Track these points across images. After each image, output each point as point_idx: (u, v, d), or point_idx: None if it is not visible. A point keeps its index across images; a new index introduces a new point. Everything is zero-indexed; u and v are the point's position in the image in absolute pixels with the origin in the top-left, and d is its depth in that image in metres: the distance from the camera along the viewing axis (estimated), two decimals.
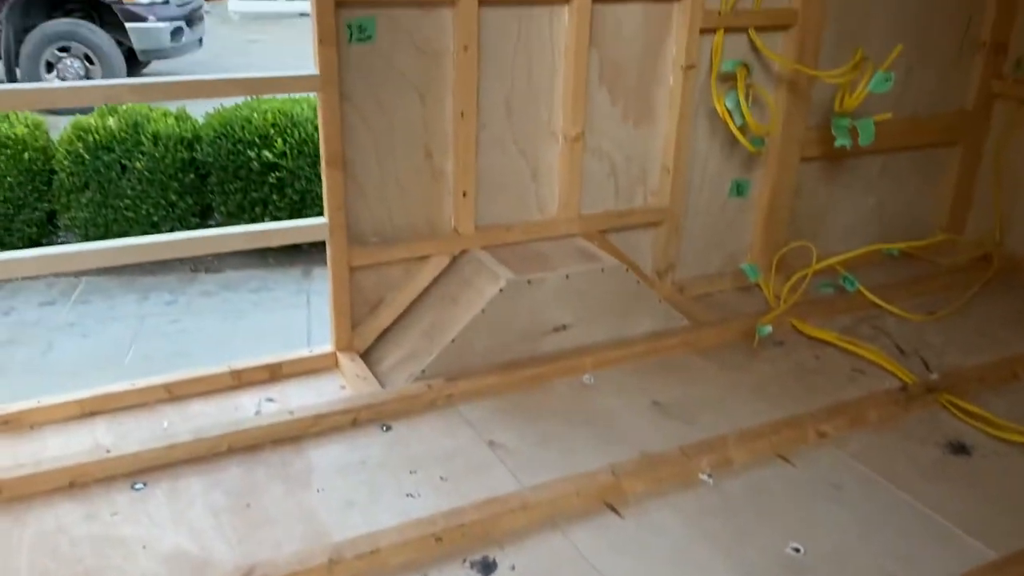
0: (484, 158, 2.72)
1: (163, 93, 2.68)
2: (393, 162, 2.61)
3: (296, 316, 4.73)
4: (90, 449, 2.21)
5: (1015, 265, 3.48)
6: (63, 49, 8.89)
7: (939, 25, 3.33)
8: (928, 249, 3.49)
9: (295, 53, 11.71)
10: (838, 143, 2.93)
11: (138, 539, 1.94)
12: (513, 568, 1.88)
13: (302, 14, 14.80)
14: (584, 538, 1.98)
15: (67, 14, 9.04)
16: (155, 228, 5.05)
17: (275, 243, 2.68)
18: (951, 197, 3.66)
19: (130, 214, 5.02)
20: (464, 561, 1.90)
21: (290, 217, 4.99)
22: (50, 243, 5.33)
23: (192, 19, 9.80)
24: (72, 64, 8.94)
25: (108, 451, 2.16)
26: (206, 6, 11.16)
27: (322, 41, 2.35)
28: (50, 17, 8.95)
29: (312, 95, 4.41)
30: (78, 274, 4.98)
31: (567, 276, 2.68)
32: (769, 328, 2.83)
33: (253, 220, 5.05)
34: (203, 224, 5.29)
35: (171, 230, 5.10)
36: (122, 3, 9.00)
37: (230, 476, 2.16)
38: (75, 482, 2.09)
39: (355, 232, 2.61)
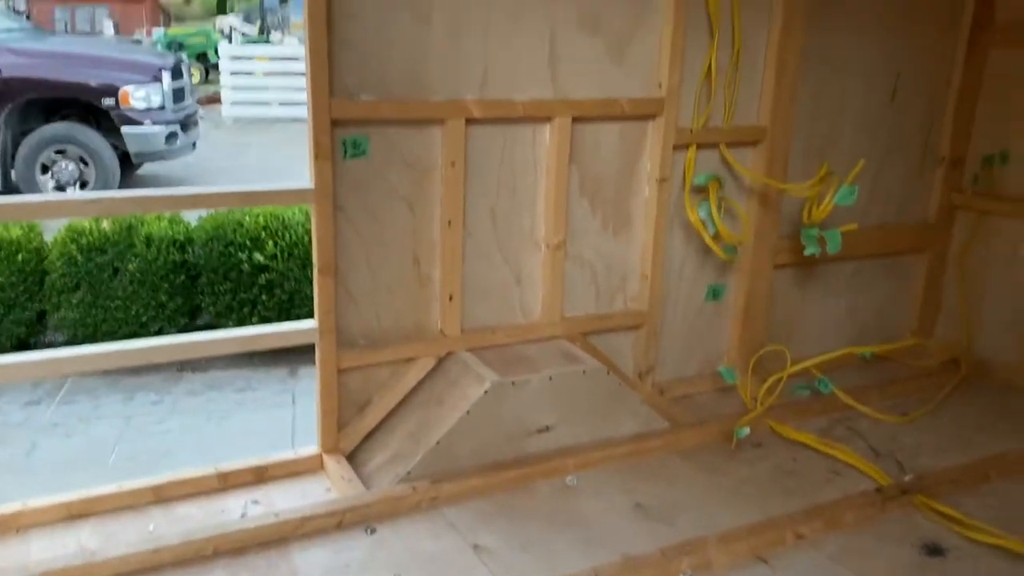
0: (470, 264, 2.84)
1: (167, 205, 2.79)
2: (382, 269, 2.72)
3: (281, 416, 4.75)
4: (75, 553, 2.22)
5: (983, 369, 3.59)
6: (59, 152, 9.12)
7: (901, 141, 3.54)
8: (899, 352, 3.61)
9: (286, 157, 12.03)
10: (807, 252, 3.08)
11: None
12: None
13: (295, 119, 15.26)
14: None
15: (64, 118, 9.30)
16: (144, 328, 5.10)
17: (266, 347, 2.75)
18: (920, 302, 3.80)
19: (120, 314, 5.09)
20: None
21: (278, 317, 5.07)
22: (38, 342, 5.36)
23: (187, 124, 10.08)
24: (67, 166, 9.15)
25: (93, 554, 2.17)
26: (201, 111, 11.50)
27: (318, 156, 2.49)
28: (48, 121, 9.20)
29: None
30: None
31: (550, 378, 2.76)
32: (747, 430, 2.90)
33: (241, 320, 5.12)
34: (191, 323, 5.35)
35: (159, 330, 5.17)
36: (119, 108, 9.28)
37: None
38: None
39: (344, 335, 2.69)
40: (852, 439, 3.04)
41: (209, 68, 20.87)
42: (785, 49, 3.08)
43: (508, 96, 2.75)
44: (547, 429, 2.79)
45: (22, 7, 22.44)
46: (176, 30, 23.94)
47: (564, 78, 2.82)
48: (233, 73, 15.66)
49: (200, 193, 2.60)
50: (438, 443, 2.63)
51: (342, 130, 2.53)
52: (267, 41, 20.89)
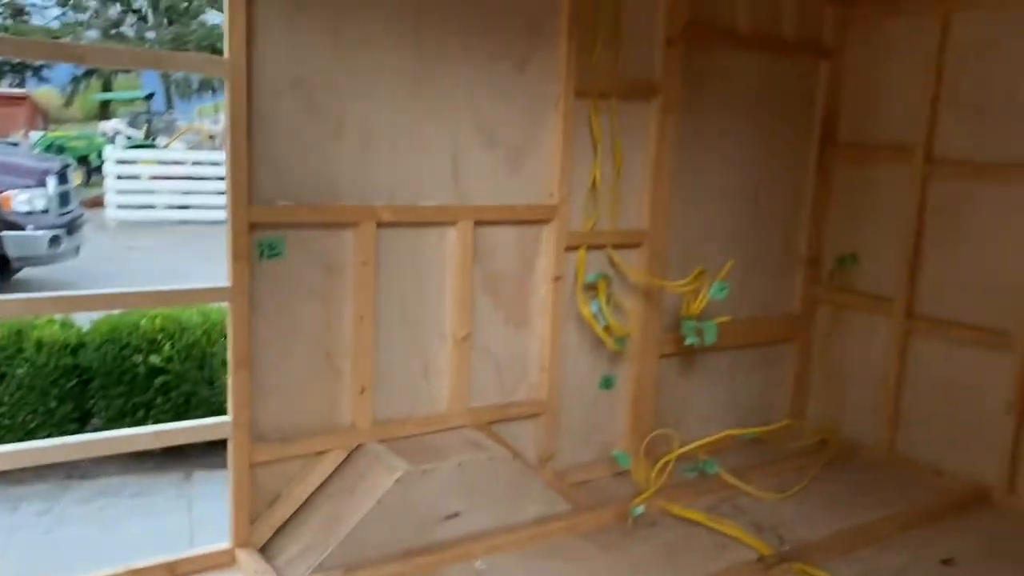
0: (380, 358, 2.99)
1: (83, 304, 2.81)
2: (296, 364, 2.84)
3: (178, 520, 4.65)
4: None
5: (848, 447, 3.95)
6: None
7: (766, 243, 3.95)
8: (775, 434, 3.92)
9: (173, 260, 11.88)
10: (687, 342, 3.37)
11: None
12: None
13: (182, 222, 15.11)
14: None
15: None
16: (31, 435, 4.93)
17: (180, 442, 2.80)
18: (792, 387, 4.17)
19: (6, 421, 4.92)
20: None
21: (174, 419, 5.00)
22: None
23: (72, 227, 9.89)
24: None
25: None
26: (85, 213, 11.28)
27: (236, 257, 2.63)
28: None
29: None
30: None
31: (459, 465, 2.91)
32: (641, 509, 3.11)
33: (135, 424, 5.02)
34: (81, 429, 5.20)
35: (48, 436, 5.00)
36: (1, 212, 9.05)
37: None
38: None
39: (257, 429, 2.77)
40: (737, 515, 3.28)
41: (91, 172, 20.47)
42: (660, 165, 3.46)
43: (415, 202, 2.98)
44: (456, 515, 2.92)
45: None
46: (56, 133, 23.43)
47: (466, 186, 3.08)
48: (119, 177, 15.48)
49: (121, 293, 2.69)
50: (350, 533, 2.71)
51: (260, 233, 2.69)
52: (153, 145, 20.77)
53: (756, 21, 3.66)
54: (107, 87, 32.49)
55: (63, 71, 33.32)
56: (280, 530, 2.84)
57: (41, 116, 29.51)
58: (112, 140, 21.09)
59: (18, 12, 31.23)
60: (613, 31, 3.26)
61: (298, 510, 2.86)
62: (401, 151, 2.93)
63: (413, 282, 3.04)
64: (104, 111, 30.91)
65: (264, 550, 2.78)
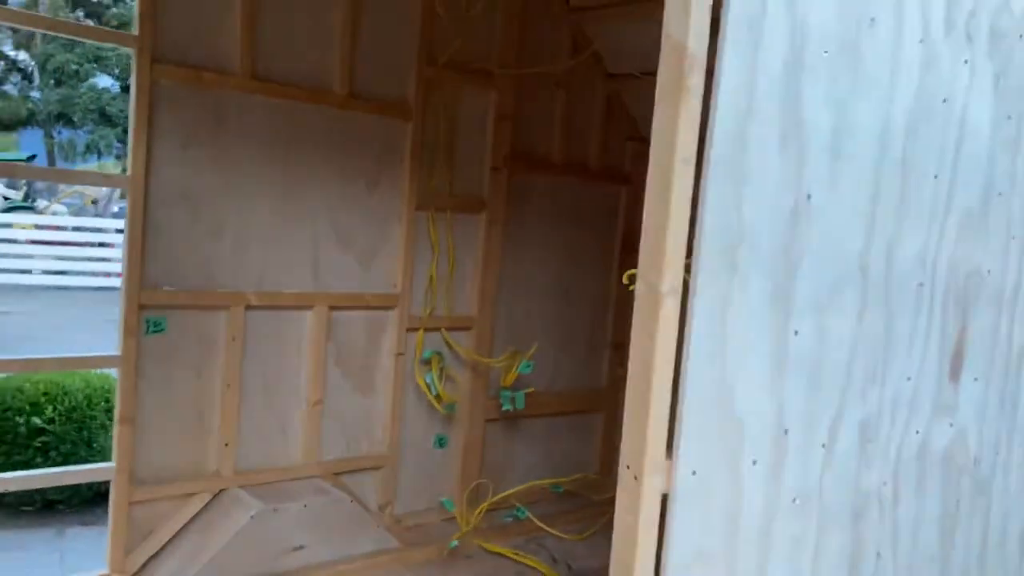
0: (244, 418, 3.63)
1: None
2: (171, 420, 3.45)
3: (49, 570, 5.01)
4: None
5: None
6: None
7: (577, 329, 4.81)
8: (583, 486, 4.71)
9: (50, 326, 11.95)
10: (504, 408, 4.15)
11: None
12: None
13: (60, 287, 15.08)
14: None
15: None
16: None
17: (66, 482, 3.36)
18: (600, 449, 4.99)
19: None
20: None
21: None
22: None
23: None
24: None
25: None
26: None
27: (126, 332, 3.26)
28: None
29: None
30: None
31: (304, 506, 3.55)
32: (456, 543, 3.82)
33: None
34: None
35: None
36: None
37: None
38: None
39: (136, 474, 3.35)
40: (539, 552, 4.03)
41: None
42: (487, 264, 4.28)
43: (279, 289, 3.67)
44: (302, 547, 3.55)
45: None
46: None
47: (324, 278, 3.81)
48: (1, 240, 15.37)
49: (20, 359, 3.26)
50: (210, 560, 3.31)
51: (147, 311, 3.32)
52: (32, 208, 20.48)
53: (568, 152, 4.59)
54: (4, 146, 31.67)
55: None
56: (151, 559, 3.39)
57: None
58: None
59: None
60: (448, 159, 4.10)
61: (168, 543, 3.43)
62: (270, 250, 3.64)
63: (275, 355, 3.71)
64: None
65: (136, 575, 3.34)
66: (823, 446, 1.75)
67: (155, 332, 3.36)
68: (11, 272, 15.33)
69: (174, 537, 3.44)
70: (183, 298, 3.41)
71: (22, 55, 29.70)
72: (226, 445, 3.57)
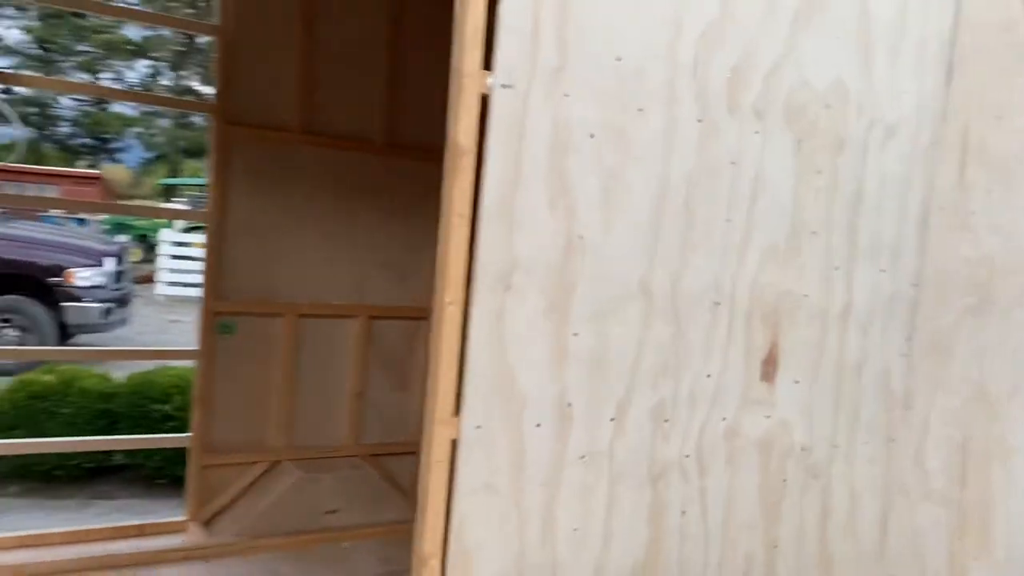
0: (299, 403, 4.51)
1: (75, 356, 4.43)
2: (239, 403, 4.37)
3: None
4: None
5: None
6: (5, 320, 10.55)
7: None
8: None
9: None
10: None
11: None
12: None
13: None
14: None
15: (12, 291, 10.79)
16: (68, 459, 6.50)
17: (153, 447, 4.33)
18: None
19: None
20: None
21: (175, 455, 6.54)
22: None
23: (122, 300, 11.66)
24: (10, 334, 10.55)
25: None
26: (136, 289, 13.09)
27: (203, 331, 4.21)
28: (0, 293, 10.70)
29: None
30: None
31: (339, 477, 4.39)
32: None
33: (147, 456, 6.59)
34: (108, 458, 6.77)
35: (82, 464, 6.56)
36: (63, 286, 10.85)
37: None
38: None
39: (209, 444, 4.29)
40: None
41: (150, 248, 22.66)
42: None
43: (328, 301, 4.55)
44: (335, 511, 4.38)
45: None
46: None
47: (366, 293, 4.65)
48: (172, 256, 17.43)
49: (124, 349, 4.27)
50: (260, 515, 4.19)
51: (220, 316, 4.27)
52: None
53: None
54: (173, 171, 35.30)
55: (134, 154, 36.45)
56: (218, 512, 4.32)
57: (111, 195, 32.33)
58: (170, 223, 23.37)
59: (100, 100, 34.54)
60: None
61: (231, 500, 4.35)
62: (321, 270, 4.52)
63: (324, 354, 4.59)
64: (168, 193, 33.69)
65: (206, 524, 4.27)
66: (612, 420, 2.37)
67: (226, 333, 4.31)
68: (187, 286, 17.40)
69: (237, 496, 4.36)
70: (248, 306, 4.34)
71: (208, 89, 33.07)
72: (281, 425, 4.46)
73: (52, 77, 27.27)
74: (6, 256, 10.71)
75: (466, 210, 2.10)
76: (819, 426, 2.80)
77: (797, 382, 2.72)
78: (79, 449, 4.15)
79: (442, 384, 2.13)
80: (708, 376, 2.53)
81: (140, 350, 4.33)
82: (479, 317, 2.14)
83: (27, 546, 3.88)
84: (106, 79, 33.63)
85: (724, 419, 2.58)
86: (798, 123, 2.60)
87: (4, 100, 29.91)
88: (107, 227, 23.29)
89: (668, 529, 2.50)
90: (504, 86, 2.10)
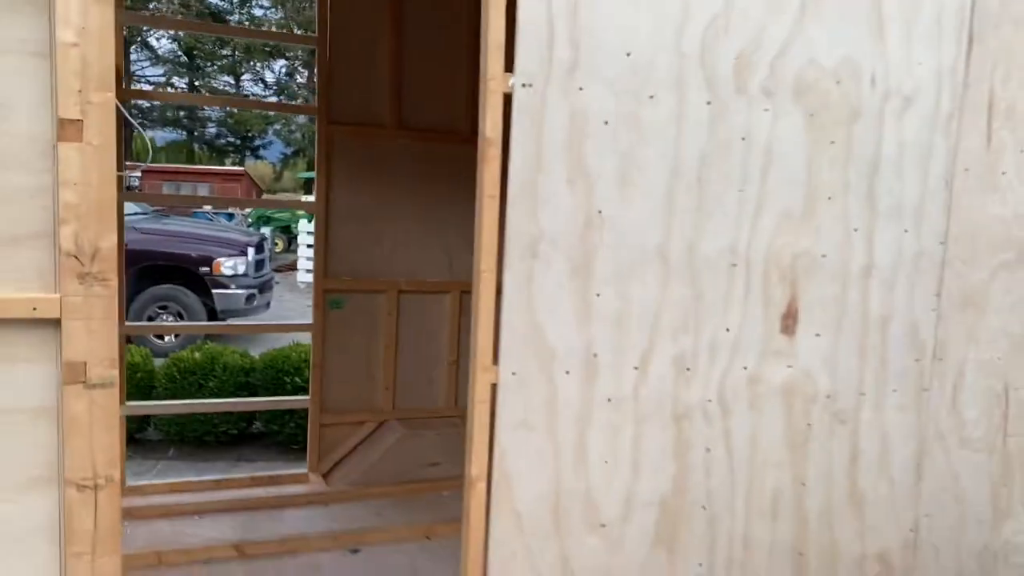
0: (400, 370, 5.06)
1: (229, 329, 5.11)
2: (348, 370, 4.96)
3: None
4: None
5: None
6: (162, 307, 11.76)
7: None
8: None
9: None
10: None
11: None
12: None
13: None
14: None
15: (169, 281, 12.00)
16: (215, 426, 7.37)
17: (282, 408, 4.98)
18: None
19: (200, 417, 7.40)
20: None
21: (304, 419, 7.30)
22: (142, 437, 7.67)
23: (264, 287, 12.73)
24: (167, 319, 11.76)
25: None
26: (277, 276, 14.18)
27: (315, 307, 4.81)
28: (156, 283, 11.91)
29: None
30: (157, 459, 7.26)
31: (438, 434, 4.91)
32: None
33: (282, 424, 7.37)
34: (247, 426, 7.62)
35: (226, 431, 7.42)
36: (212, 275, 11.97)
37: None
38: None
39: (325, 405, 4.90)
40: None
41: (291, 239, 24.21)
42: None
43: (423, 279, 5.06)
44: (437, 464, 4.90)
45: (136, 183, 26.63)
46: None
47: (457, 271, 5.13)
48: (310, 246, 18.64)
49: (246, 324, 4.93)
50: (371, 467, 4.77)
51: (330, 294, 4.86)
52: None
53: None
54: (311, 165, 37.17)
55: (275, 150, 38.67)
56: (334, 465, 4.93)
57: (255, 189, 34.52)
58: (310, 215, 24.86)
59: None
60: None
61: (345, 454, 4.95)
62: (415, 251, 5.04)
63: (422, 326, 5.11)
64: (308, 186, 35.62)
65: (324, 475, 4.89)
66: (635, 368, 2.73)
67: (335, 308, 4.89)
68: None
69: (350, 451, 4.96)
70: (354, 284, 4.91)
71: None
72: (386, 389, 5.03)
73: (172, 92, 29.22)
74: (164, 249, 11.91)
75: (496, 191, 2.51)
76: (844, 376, 3.05)
77: (818, 335, 2.98)
78: (218, 410, 4.86)
79: (482, 338, 2.55)
80: (727, 330, 2.84)
81: (263, 324, 5.03)
82: (510, 281, 2.55)
83: (177, 491, 4.60)
84: (247, 80, 35.88)
85: (745, 368, 2.88)
86: (808, 99, 2.85)
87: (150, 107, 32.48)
88: (252, 220, 25.02)
89: (693, 464, 2.84)
90: (524, 85, 2.49)
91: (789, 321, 2.94)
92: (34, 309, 2.07)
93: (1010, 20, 3.13)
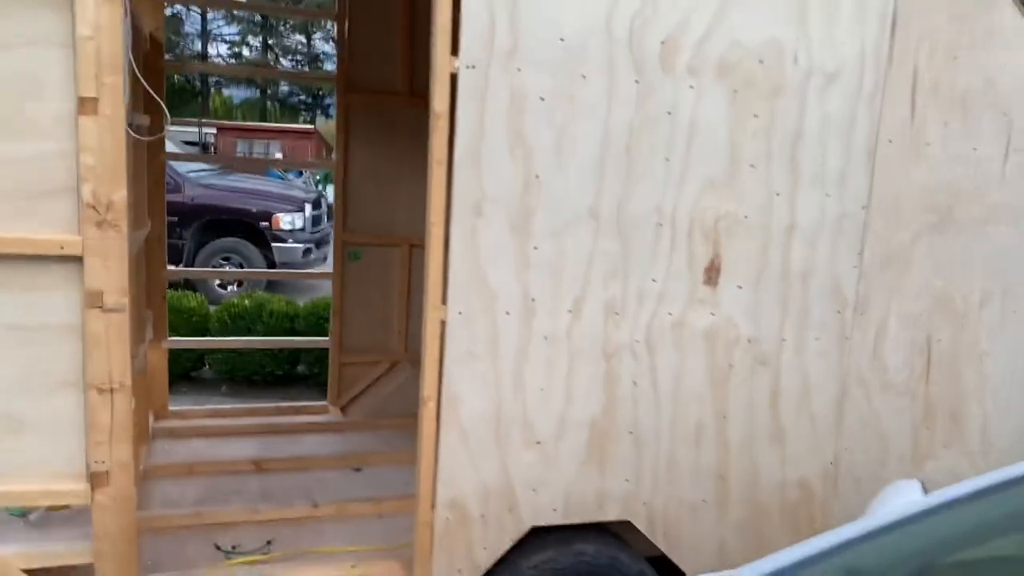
0: (411, 316, 5.59)
1: (242, 275, 5.71)
2: (365, 314, 5.51)
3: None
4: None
5: None
6: (225, 258, 12.56)
7: None
8: None
9: None
10: None
11: None
12: None
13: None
14: None
15: (231, 234, 12.78)
16: (262, 367, 8.07)
17: (307, 346, 5.58)
18: None
19: (249, 358, 8.10)
20: None
21: None
22: (198, 375, 8.43)
23: (320, 242, 13.42)
24: (229, 268, 12.57)
25: None
26: (332, 232, 14.82)
27: (335, 259, 5.37)
28: (220, 236, 12.69)
29: None
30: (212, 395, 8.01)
31: None
32: None
33: (323, 367, 8.02)
34: (292, 368, 8.30)
35: (273, 372, 8.10)
36: (271, 229, 12.70)
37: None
38: None
39: (344, 346, 5.48)
40: None
41: None
42: None
43: None
44: None
45: (212, 140, 27.75)
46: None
47: None
48: None
49: (278, 271, 5.52)
50: (382, 400, 5.34)
51: (349, 246, 5.40)
52: None
53: None
54: None
55: None
56: (351, 399, 5.52)
57: (325, 147, 35.50)
58: None
59: (314, 59, 37.73)
60: None
61: (361, 390, 5.53)
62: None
63: None
64: None
65: (343, 408, 5.48)
66: (569, 311, 3.18)
67: (354, 259, 5.44)
68: None
69: (365, 388, 5.53)
70: (370, 238, 5.44)
71: None
72: (399, 333, 5.57)
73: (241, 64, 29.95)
74: (227, 204, 12.68)
75: (443, 158, 2.98)
76: (766, 323, 3.44)
77: (740, 287, 3.38)
78: (258, 347, 5.58)
79: (432, 281, 3.05)
80: (654, 280, 3.27)
81: (290, 272, 5.59)
82: (457, 235, 3.03)
83: (213, 416, 5.25)
84: (318, 38, 36.64)
85: (671, 314, 3.31)
86: (732, 77, 3.22)
87: (233, 64, 33.51)
88: (319, 178, 25.90)
89: (621, 395, 3.29)
90: (468, 67, 2.94)
91: (712, 274, 3.34)
92: (62, 248, 2.65)
93: (933, 1, 3.42)
